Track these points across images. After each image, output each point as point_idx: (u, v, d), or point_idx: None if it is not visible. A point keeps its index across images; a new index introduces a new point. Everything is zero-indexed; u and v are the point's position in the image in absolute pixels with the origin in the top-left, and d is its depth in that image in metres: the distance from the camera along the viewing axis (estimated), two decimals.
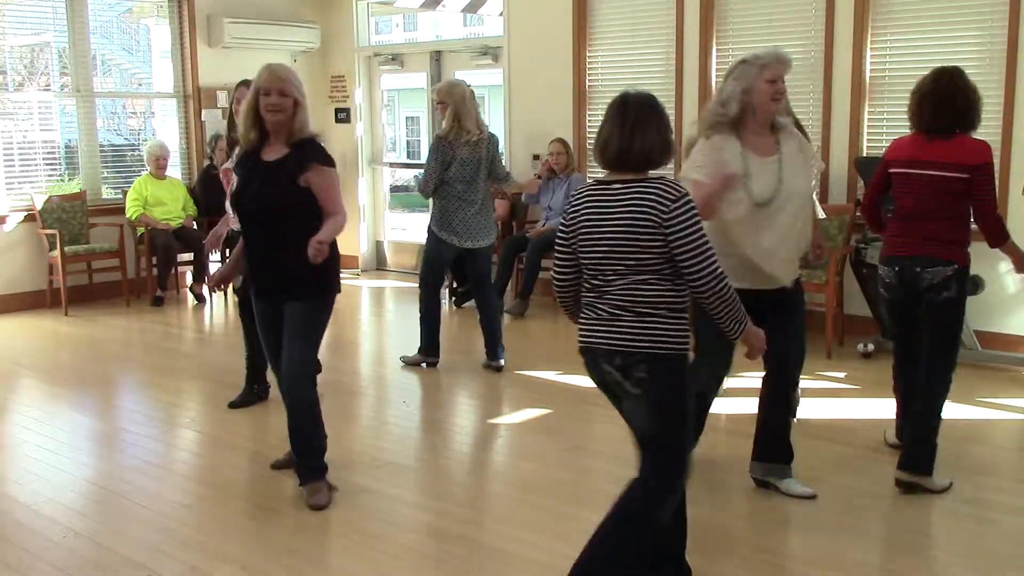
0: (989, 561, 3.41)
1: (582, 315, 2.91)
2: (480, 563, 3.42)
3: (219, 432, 4.93)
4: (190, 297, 8.40)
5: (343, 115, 9.77)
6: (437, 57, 9.37)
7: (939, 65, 4.03)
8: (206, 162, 8.67)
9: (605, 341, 2.82)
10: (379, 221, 10.03)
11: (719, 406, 5.18)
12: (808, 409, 4.89)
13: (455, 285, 8.07)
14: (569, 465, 4.42)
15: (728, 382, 5.48)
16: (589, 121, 7.95)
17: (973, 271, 5.64)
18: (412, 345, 6.12)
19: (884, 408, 4.67)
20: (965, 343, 5.82)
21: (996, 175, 5.93)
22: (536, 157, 8.12)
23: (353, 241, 9.90)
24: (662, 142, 2.81)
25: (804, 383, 4.29)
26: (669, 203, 2.72)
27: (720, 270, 2.77)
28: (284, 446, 4.12)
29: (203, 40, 8.86)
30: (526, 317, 7.49)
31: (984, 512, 3.80)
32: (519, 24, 8.28)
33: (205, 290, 8.36)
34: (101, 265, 8.20)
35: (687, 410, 2.87)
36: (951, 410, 4.50)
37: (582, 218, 2.85)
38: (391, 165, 10.13)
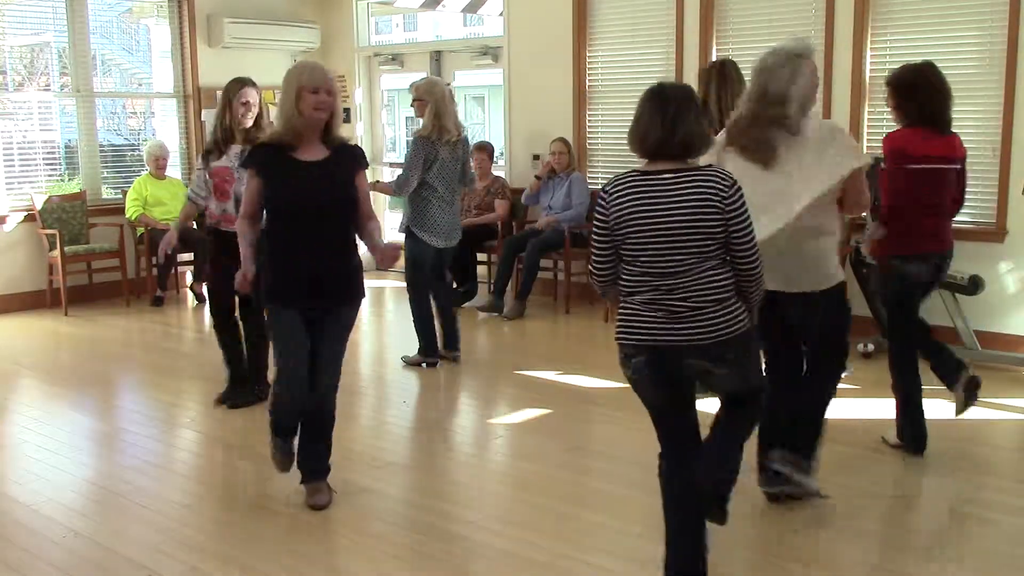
0: (989, 561, 3.41)
1: (641, 314, 2.86)
2: (480, 563, 3.42)
3: (219, 432, 4.93)
4: (190, 297, 8.40)
5: (343, 115, 9.73)
6: (437, 57, 9.37)
7: (944, 63, 4.10)
8: None
9: (691, 337, 2.82)
10: (379, 221, 10.02)
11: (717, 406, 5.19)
12: None
13: (454, 285, 8.07)
14: (569, 465, 4.42)
15: None
16: (589, 121, 7.95)
17: (973, 271, 5.69)
18: (412, 345, 6.12)
19: (884, 408, 4.66)
20: (965, 343, 5.83)
21: (996, 175, 6.01)
22: (536, 157, 8.12)
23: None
24: (701, 130, 2.87)
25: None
26: (727, 188, 2.80)
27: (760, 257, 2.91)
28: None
29: (203, 40, 8.86)
30: (525, 317, 7.49)
31: (984, 512, 3.80)
32: (519, 24, 8.28)
33: (205, 290, 8.36)
34: (101, 265, 8.20)
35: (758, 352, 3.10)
36: (951, 410, 4.50)
37: (629, 210, 2.82)
38: (391, 165, 10.12)
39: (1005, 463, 4.46)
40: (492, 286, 7.80)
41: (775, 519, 3.73)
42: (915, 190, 4.08)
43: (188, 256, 8.37)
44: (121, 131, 10.46)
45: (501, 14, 8.50)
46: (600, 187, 2.97)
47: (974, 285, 5.66)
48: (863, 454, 4.43)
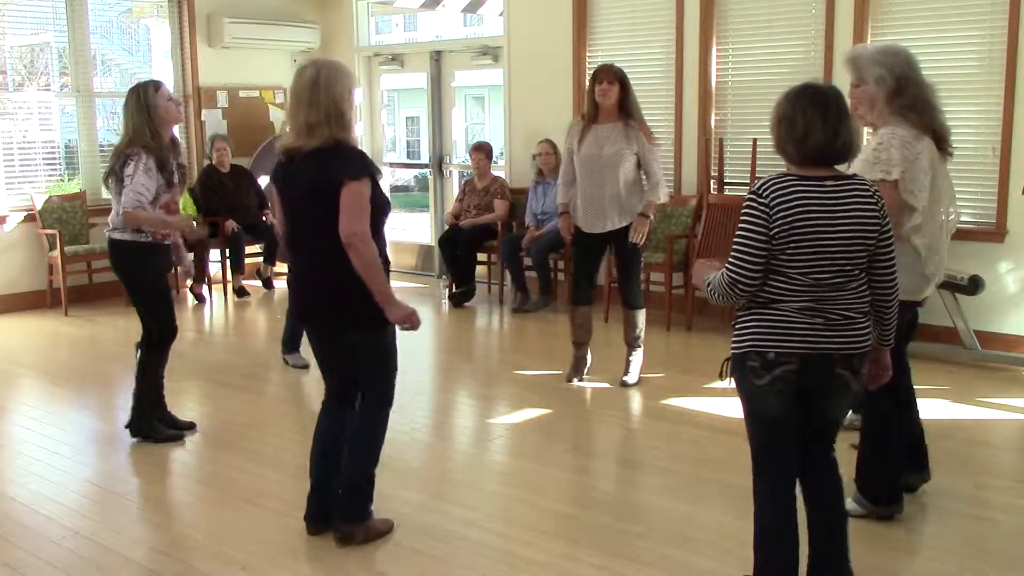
0: (989, 561, 3.41)
1: (796, 321, 2.73)
2: (480, 563, 3.41)
3: (219, 432, 4.93)
4: (190, 297, 8.40)
5: None
6: (437, 57, 9.36)
7: (932, 65, 4.07)
8: (206, 162, 8.67)
9: (843, 346, 2.76)
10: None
11: (719, 407, 5.19)
12: None
13: (454, 286, 8.09)
14: (569, 465, 4.42)
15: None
16: None
17: (973, 271, 5.69)
18: (412, 344, 6.11)
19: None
20: (965, 343, 5.83)
21: (996, 175, 6.00)
22: (535, 157, 8.12)
23: None
24: (856, 136, 2.80)
25: None
26: (880, 200, 2.77)
27: None
28: (284, 446, 4.11)
29: (203, 40, 8.85)
30: (526, 317, 7.50)
31: (984, 512, 3.80)
32: (519, 24, 8.28)
33: (205, 290, 8.37)
34: (101, 265, 8.17)
35: None
36: (952, 410, 4.50)
37: (798, 218, 2.67)
38: (391, 165, 10.13)
39: (1005, 463, 4.46)
40: (515, 289, 7.82)
41: None
42: None
43: (188, 256, 8.36)
44: (121, 131, 10.46)
45: (501, 14, 8.50)
46: (752, 190, 2.77)
47: (974, 285, 5.65)
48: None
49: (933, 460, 3.93)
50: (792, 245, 2.68)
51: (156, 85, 4.56)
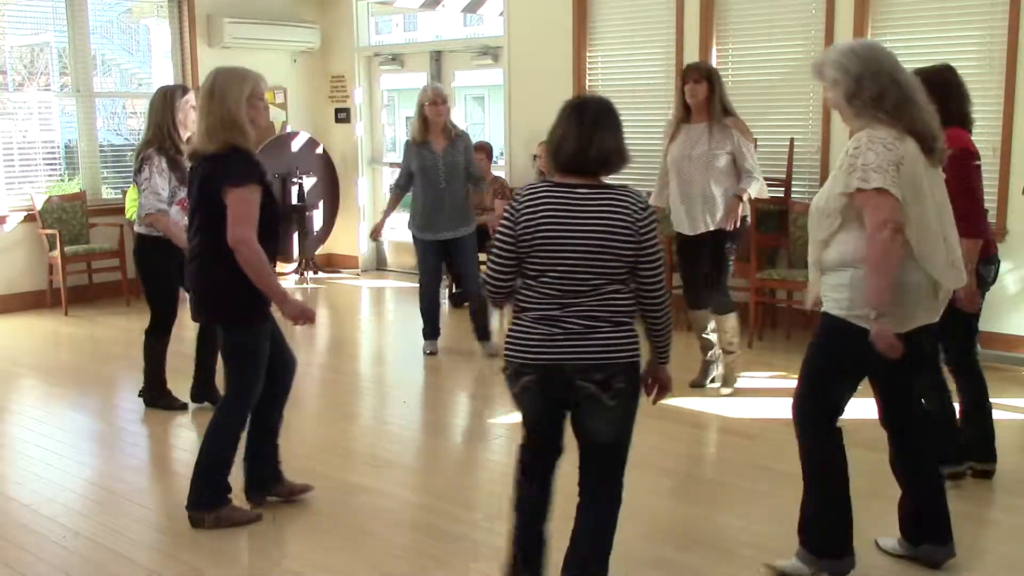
0: (989, 561, 3.41)
1: (534, 332, 2.73)
2: (480, 563, 3.41)
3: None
4: (189, 298, 8.39)
5: (343, 115, 9.77)
6: (437, 57, 9.37)
7: (943, 63, 4.00)
8: None
9: (582, 356, 2.70)
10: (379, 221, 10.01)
11: (719, 407, 5.19)
12: None
13: (454, 286, 8.09)
14: (569, 465, 4.41)
15: (740, 381, 5.50)
16: None
17: None
18: (412, 344, 6.12)
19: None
20: None
21: (996, 175, 6.01)
22: (536, 157, 8.12)
23: (353, 241, 9.91)
24: (618, 146, 2.76)
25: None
26: (641, 210, 2.70)
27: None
28: (284, 446, 4.11)
29: (203, 40, 8.85)
30: None
31: (984, 512, 3.80)
32: (519, 24, 8.28)
33: None
34: (101, 265, 8.20)
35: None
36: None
37: (539, 222, 2.70)
38: (391, 165, 10.12)
39: (1005, 463, 4.45)
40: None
41: (774, 519, 3.73)
42: (979, 189, 3.88)
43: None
44: (121, 131, 10.46)
45: (501, 14, 8.50)
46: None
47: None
48: (863, 455, 4.40)
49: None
50: (535, 251, 2.70)
51: (184, 90, 5.04)
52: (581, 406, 2.78)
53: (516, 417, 4.76)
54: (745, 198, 5.11)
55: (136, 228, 5.16)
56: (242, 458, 3.80)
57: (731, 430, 4.89)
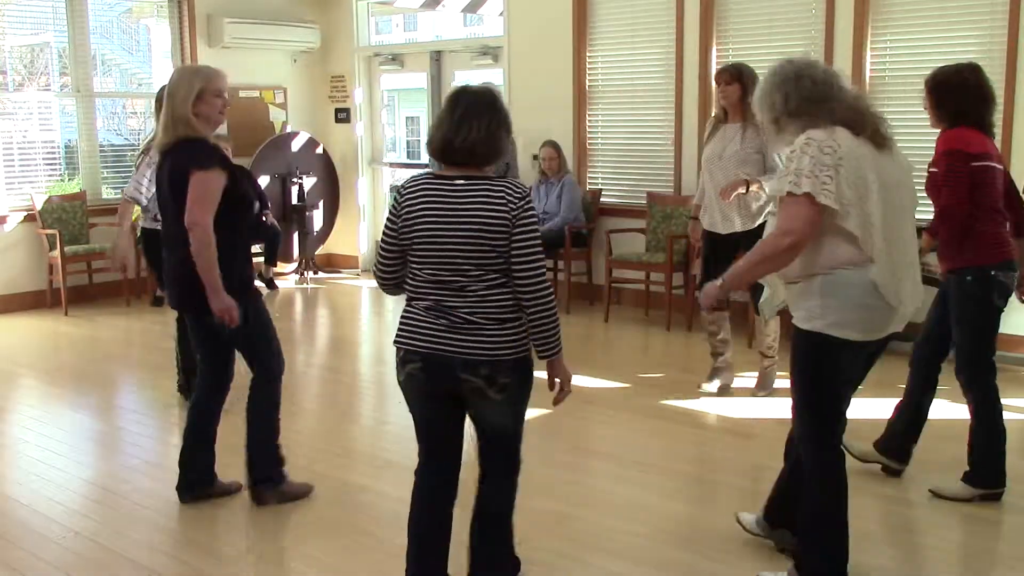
0: (989, 561, 3.41)
1: (422, 320, 2.75)
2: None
3: (219, 432, 4.92)
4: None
5: (343, 115, 9.77)
6: (437, 57, 9.37)
7: (944, 63, 3.97)
8: None
9: (466, 351, 2.70)
10: (379, 221, 10.03)
11: (718, 407, 5.19)
12: None
13: None
14: (569, 465, 4.42)
15: (737, 381, 5.50)
16: (589, 121, 7.94)
17: None
18: None
19: (885, 408, 4.66)
20: None
21: None
22: (536, 157, 8.12)
23: (353, 241, 9.91)
24: (489, 138, 2.70)
25: None
26: (517, 200, 2.67)
27: (548, 280, 2.73)
28: (285, 445, 4.11)
29: (203, 40, 8.85)
30: None
31: (984, 512, 3.80)
32: (519, 24, 8.28)
33: None
34: (101, 265, 8.19)
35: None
36: (951, 410, 4.50)
37: (418, 214, 2.71)
38: (391, 165, 10.13)
39: (1006, 463, 4.45)
40: None
41: None
42: (988, 192, 3.82)
43: None
44: (121, 131, 10.48)
45: (501, 14, 8.50)
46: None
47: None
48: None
49: (933, 460, 3.94)
50: (416, 242, 2.72)
51: None
52: (469, 399, 2.81)
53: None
54: (754, 187, 5.04)
55: (142, 224, 5.34)
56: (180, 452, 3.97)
57: (731, 430, 4.89)
